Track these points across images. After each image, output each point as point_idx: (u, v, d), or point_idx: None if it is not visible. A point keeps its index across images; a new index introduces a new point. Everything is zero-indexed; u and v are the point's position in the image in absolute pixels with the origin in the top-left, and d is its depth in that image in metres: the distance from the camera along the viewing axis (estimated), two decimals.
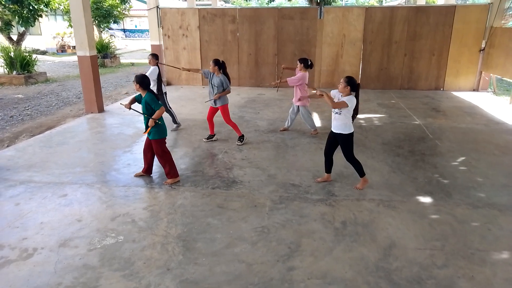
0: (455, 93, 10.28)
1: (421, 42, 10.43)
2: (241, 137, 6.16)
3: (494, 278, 2.97)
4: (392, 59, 10.71)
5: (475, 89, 10.61)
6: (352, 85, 4.18)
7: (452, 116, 7.91)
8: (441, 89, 10.75)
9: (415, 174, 5.00)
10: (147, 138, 4.62)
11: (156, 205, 4.19)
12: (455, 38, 10.27)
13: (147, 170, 4.86)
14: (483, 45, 10.20)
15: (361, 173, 4.51)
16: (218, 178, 4.90)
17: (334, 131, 4.38)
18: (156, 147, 4.57)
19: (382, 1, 43.59)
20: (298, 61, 6.29)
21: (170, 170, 4.66)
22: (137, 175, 4.88)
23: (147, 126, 4.48)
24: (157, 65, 6.65)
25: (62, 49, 23.63)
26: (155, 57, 6.70)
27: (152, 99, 4.44)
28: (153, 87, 6.32)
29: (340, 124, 4.30)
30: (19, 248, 3.39)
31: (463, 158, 5.56)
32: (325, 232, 3.64)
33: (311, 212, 3.99)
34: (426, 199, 4.29)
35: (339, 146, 4.47)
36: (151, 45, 11.89)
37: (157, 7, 11.34)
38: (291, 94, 9.76)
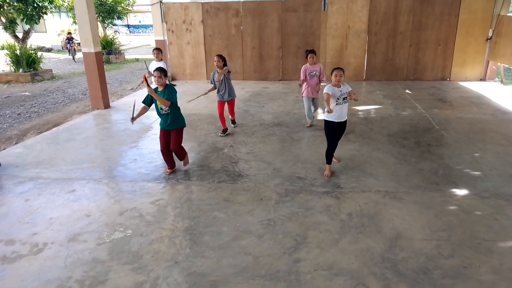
0: (462, 83, 10.18)
1: (427, 32, 10.33)
2: (225, 130, 6.34)
3: (500, 268, 2.97)
4: (397, 50, 10.62)
5: (482, 79, 10.50)
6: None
7: (458, 107, 7.85)
8: (447, 79, 10.65)
9: (421, 165, 4.98)
10: (163, 139, 4.73)
11: (163, 199, 4.23)
12: (461, 27, 10.15)
13: (173, 165, 4.97)
14: (490, 34, 10.07)
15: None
16: (224, 172, 4.93)
17: (343, 120, 4.49)
18: (178, 136, 4.75)
19: None
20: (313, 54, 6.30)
21: (184, 154, 4.99)
22: (169, 173, 4.89)
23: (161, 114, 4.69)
24: (162, 60, 6.69)
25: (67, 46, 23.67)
26: (161, 52, 6.71)
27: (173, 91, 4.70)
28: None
29: (347, 110, 4.51)
30: (29, 243, 3.46)
31: (470, 148, 5.52)
32: (331, 224, 3.65)
33: (316, 205, 4.01)
34: (432, 190, 4.28)
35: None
36: (155, 40, 11.92)
37: (161, 1, 11.34)
38: (296, 87, 9.71)
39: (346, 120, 4.54)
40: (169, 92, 4.59)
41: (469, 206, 3.92)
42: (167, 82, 4.71)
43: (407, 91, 9.44)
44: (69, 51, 19.10)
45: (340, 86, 4.36)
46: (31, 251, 3.34)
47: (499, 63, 10.26)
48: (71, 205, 4.14)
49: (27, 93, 10.76)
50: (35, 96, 10.38)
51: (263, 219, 3.76)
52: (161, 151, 4.83)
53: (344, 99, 4.37)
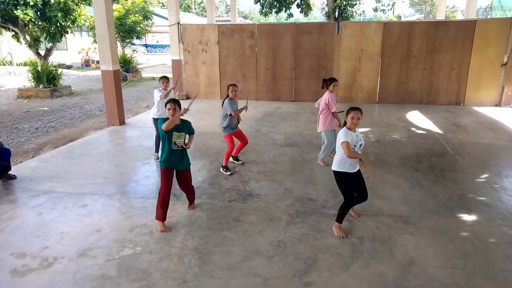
0: (476, 108, 10.08)
1: (441, 56, 10.33)
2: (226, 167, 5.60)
3: None
4: (411, 73, 10.63)
5: (497, 104, 10.38)
6: None
7: (473, 132, 7.75)
8: (462, 104, 10.56)
9: (435, 190, 4.90)
10: (168, 181, 3.97)
11: (173, 217, 4.23)
12: (475, 52, 10.13)
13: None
14: (505, 60, 10.01)
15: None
16: (234, 191, 4.92)
17: (357, 169, 3.79)
18: (190, 175, 4.26)
19: (400, 17, 43.49)
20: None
21: (194, 194, 4.49)
22: (166, 230, 3.98)
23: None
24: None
25: (87, 64, 24.44)
26: (168, 81, 6.07)
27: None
28: (161, 112, 5.91)
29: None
30: (40, 257, 3.48)
31: (485, 174, 5.42)
32: (342, 247, 3.59)
33: (328, 227, 3.95)
34: (446, 216, 4.19)
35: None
36: (172, 60, 12.20)
37: (178, 23, 11.66)
38: (308, 108, 9.76)
39: (359, 169, 3.84)
40: (189, 124, 4.08)
41: (484, 233, 3.81)
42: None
43: (421, 114, 9.38)
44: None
45: (356, 131, 3.68)
46: (41, 265, 3.36)
47: None
48: (83, 220, 4.17)
49: (45, 108, 11.04)
50: (53, 111, 10.64)
51: (273, 240, 3.72)
52: (163, 197, 3.91)
53: (360, 146, 3.68)
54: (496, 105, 10.36)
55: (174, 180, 4.09)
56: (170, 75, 13.04)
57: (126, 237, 3.82)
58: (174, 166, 4.02)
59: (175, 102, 3.91)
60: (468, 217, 4.15)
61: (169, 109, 3.86)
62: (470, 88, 10.43)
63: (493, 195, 4.71)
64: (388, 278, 3.13)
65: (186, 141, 4.10)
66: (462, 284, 3.05)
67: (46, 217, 4.23)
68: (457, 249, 3.54)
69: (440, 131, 7.76)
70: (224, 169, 5.53)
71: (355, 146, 3.62)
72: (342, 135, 3.58)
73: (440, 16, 17.10)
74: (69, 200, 4.67)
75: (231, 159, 5.81)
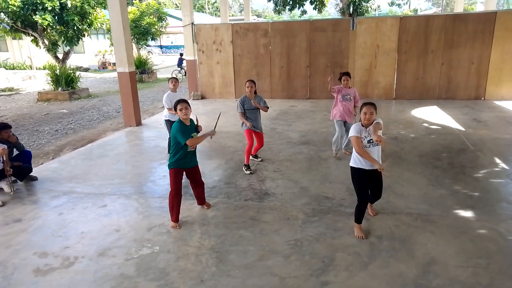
0: (498, 103, 9.80)
1: (459, 50, 10.08)
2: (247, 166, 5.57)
3: None
4: (428, 68, 10.41)
5: None
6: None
7: (494, 127, 7.53)
8: (482, 98, 10.29)
9: (455, 187, 4.78)
10: (179, 180, 4.03)
11: (190, 216, 4.26)
12: (496, 45, 9.84)
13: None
14: None
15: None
16: (250, 190, 4.92)
17: (373, 168, 3.64)
18: (200, 172, 4.29)
19: (417, 10, 42.69)
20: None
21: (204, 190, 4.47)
22: (178, 227, 4.04)
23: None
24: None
25: (103, 66, 24.90)
26: (178, 82, 6.13)
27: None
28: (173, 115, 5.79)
29: (380, 153, 3.68)
30: (61, 257, 3.55)
31: (508, 171, 5.26)
32: (360, 246, 3.54)
33: (345, 226, 3.91)
34: (467, 214, 4.09)
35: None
36: (187, 61, 12.28)
37: (192, 23, 11.73)
38: (323, 105, 9.69)
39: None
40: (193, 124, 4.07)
41: (508, 232, 3.70)
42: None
43: (440, 110, 9.18)
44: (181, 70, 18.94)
45: (370, 126, 3.55)
46: (62, 264, 3.43)
47: None
48: (102, 220, 4.24)
49: (64, 111, 11.29)
50: (72, 114, 10.87)
51: (290, 239, 3.70)
52: (173, 196, 3.96)
53: (369, 141, 3.55)
54: None
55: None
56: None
57: (145, 236, 3.87)
58: (187, 164, 4.03)
59: (186, 101, 3.92)
60: (490, 215, 4.04)
61: (181, 110, 3.86)
62: (491, 82, 10.14)
63: None
64: (408, 278, 3.08)
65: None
66: (485, 284, 2.96)
67: (66, 217, 4.32)
68: (479, 248, 3.45)
69: (460, 127, 7.58)
70: (245, 168, 5.52)
71: (363, 138, 3.55)
72: (352, 130, 3.59)
73: (458, 9, 16.69)
74: (88, 200, 4.76)
75: (250, 157, 5.80)
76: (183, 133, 3.81)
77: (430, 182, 4.97)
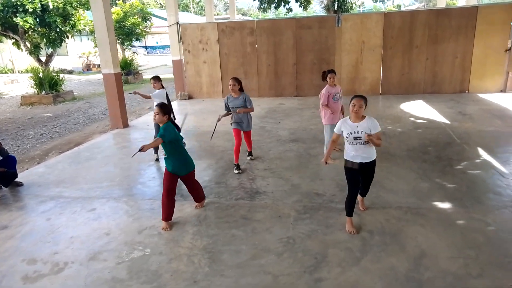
0: (482, 96, 9.97)
1: (443, 45, 10.23)
2: (237, 165, 5.51)
3: None
4: (413, 64, 10.54)
5: (502, 90, 10.27)
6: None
7: (479, 120, 7.67)
8: (466, 92, 10.47)
9: (443, 180, 4.85)
10: (172, 181, 4.01)
11: (181, 217, 4.22)
12: (478, 39, 10.02)
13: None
14: (509, 45, 9.89)
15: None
16: (241, 189, 4.91)
17: (365, 161, 3.59)
18: (194, 176, 4.27)
19: (400, 6, 43.18)
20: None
21: (203, 192, 4.48)
22: (169, 229, 4.01)
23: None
24: (163, 87, 6.14)
25: (88, 68, 24.53)
26: (158, 80, 6.09)
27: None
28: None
29: (370, 149, 3.61)
30: (50, 262, 3.49)
31: (494, 163, 5.36)
32: (352, 242, 3.57)
33: (336, 222, 3.93)
34: (456, 206, 4.15)
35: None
36: (173, 60, 12.19)
37: (178, 23, 11.63)
38: (311, 103, 9.72)
39: (372, 161, 3.62)
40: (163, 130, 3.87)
41: (496, 223, 3.77)
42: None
43: (425, 104, 9.30)
44: None
45: (362, 120, 3.51)
46: (52, 270, 3.37)
47: None
48: (91, 224, 4.18)
49: (49, 114, 11.09)
50: (57, 117, 10.68)
51: (282, 237, 3.71)
52: (165, 196, 3.95)
53: (355, 138, 3.49)
54: (501, 91, 10.24)
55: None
56: (171, 76, 13.05)
57: (135, 239, 3.82)
58: (176, 171, 4.01)
59: (160, 107, 3.90)
60: (478, 207, 4.11)
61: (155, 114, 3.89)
62: (474, 75, 10.32)
63: (502, 183, 4.66)
64: (400, 271, 3.11)
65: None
66: (475, 274, 3.01)
67: (55, 223, 4.25)
68: (468, 239, 3.50)
69: (446, 121, 7.70)
70: (235, 167, 5.49)
71: (347, 136, 3.54)
72: (336, 125, 3.69)
73: (441, 4, 16.92)
74: (77, 204, 4.68)
75: (247, 154, 5.93)
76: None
77: (419, 175, 5.03)
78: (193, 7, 50.17)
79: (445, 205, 4.19)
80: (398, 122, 7.80)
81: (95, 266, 3.41)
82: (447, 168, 5.23)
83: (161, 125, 3.88)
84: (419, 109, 8.89)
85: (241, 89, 5.42)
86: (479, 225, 3.73)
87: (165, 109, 3.89)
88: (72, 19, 15.24)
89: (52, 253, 3.64)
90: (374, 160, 3.66)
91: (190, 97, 12.01)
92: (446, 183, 4.75)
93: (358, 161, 3.59)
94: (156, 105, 3.94)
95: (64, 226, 4.15)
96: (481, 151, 5.85)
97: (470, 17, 9.93)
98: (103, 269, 3.36)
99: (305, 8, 21.35)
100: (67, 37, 16.05)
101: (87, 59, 25.05)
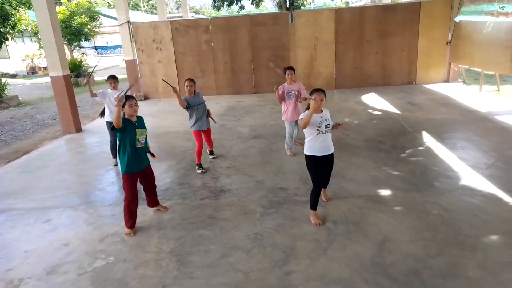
0: (428, 86, 10.57)
1: (391, 39, 10.71)
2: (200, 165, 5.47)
3: (486, 263, 3.04)
4: (365, 57, 10.94)
5: (446, 81, 10.94)
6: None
7: (427, 109, 8.12)
8: (414, 83, 11.04)
9: (399, 167, 5.09)
10: (134, 186, 3.85)
11: (145, 221, 4.10)
12: (423, 32, 10.59)
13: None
14: (449, 38, 10.55)
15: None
16: (205, 188, 4.85)
17: (328, 152, 3.74)
18: (152, 170, 4.13)
19: (348, 3, 44.65)
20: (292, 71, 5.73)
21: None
22: (133, 234, 3.87)
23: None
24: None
25: (33, 71, 23.07)
26: (117, 80, 5.72)
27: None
28: (111, 114, 5.59)
29: (331, 141, 3.79)
30: (4, 281, 3.25)
31: (443, 148, 5.70)
32: (318, 233, 3.65)
33: (301, 215, 4.00)
34: (412, 191, 4.37)
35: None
36: (126, 61, 11.76)
37: (129, 22, 11.24)
38: (270, 99, 9.79)
39: (332, 152, 3.80)
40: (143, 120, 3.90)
41: (449, 204, 4.02)
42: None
43: (378, 96, 9.70)
44: None
45: (322, 112, 3.70)
46: None
47: (460, 65, 10.73)
48: (48, 236, 3.95)
49: None
50: (1, 124, 9.96)
51: (250, 233, 3.71)
52: (130, 202, 3.81)
53: (326, 126, 3.64)
54: (445, 81, 10.91)
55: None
56: (125, 76, 12.60)
57: (97, 248, 3.66)
58: (139, 166, 3.84)
59: (134, 98, 3.79)
60: (432, 191, 4.36)
61: (131, 106, 3.69)
62: (420, 67, 10.91)
63: (451, 167, 4.97)
64: (365, 257, 3.22)
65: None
66: (434, 254, 3.19)
67: (6, 237, 3.97)
68: (425, 222, 3.70)
69: (397, 111, 8.07)
70: (198, 167, 5.43)
71: (319, 127, 3.60)
72: (302, 114, 3.64)
73: (386, 0, 17.69)
74: (30, 216, 4.40)
75: (208, 153, 5.93)
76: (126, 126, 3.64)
77: (376, 164, 5.24)
78: (144, 6, 48.77)
79: (402, 191, 4.40)
80: (354, 114, 8.07)
81: (55, 280, 3.23)
82: (402, 156, 5.50)
83: (136, 118, 3.79)
84: (372, 101, 9.26)
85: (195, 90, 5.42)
86: (434, 208, 3.96)
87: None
88: (12, 19, 14.22)
89: (5, 270, 3.39)
90: (333, 152, 3.81)
91: (146, 98, 11.67)
92: (401, 170, 4.99)
93: (325, 153, 3.69)
94: (128, 98, 3.73)
95: (17, 240, 3.89)
96: (430, 138, 6.20)
97: (414, 11, 10.47)
98: (63, 283, 3.18)
99: (258, 6, 21.47)
100: (7, 39, 14.96)
101: (32, 61, 23.53)
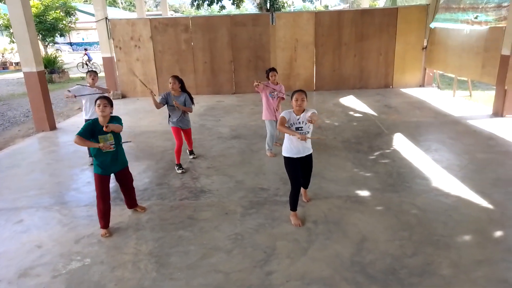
0: (403, 90, 10.84)
1: (368, 42, 10.93)
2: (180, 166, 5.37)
3: (459, 261, 3.14)
4: (343, 60, 11.11)
5: (421, 85, 11.26)
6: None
7: (403, 111, 8.33)
8: (390, 86, 11.30)
9: (376, 168, 5.19)
10: (106, 188, 3.77)
11: (123, 222, 4.01)
12: (399, 37, 10.86)
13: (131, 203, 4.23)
14: (425, 43, 10.86)
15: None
16: (185, 189, 4.80)
17: (305, 154, 3.74)
18: (130, 174, 4.04)
19: (327, 6, 45.28)
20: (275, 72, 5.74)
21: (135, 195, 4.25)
22: (109, 235, 3.78)
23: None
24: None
25: (4, 66, 22.21)
26: (97, 75, 5.61)
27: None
28: (91, 113, 5.48)
29: (309, 142, 3.78)
30: None
31: (418, 150, 5.85)
32: (298, 233, 3.67)
33: (282, 214, 4.01)
34: (389, 192, 4.47)
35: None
36: (103, 58, 11.50)
37: (106, 18, 10.99)
38: (250, 99, 9.81)
39: (310, 154, 3.81)
40: (117, 121, 3.75)
41: (424, 204, 4.12)
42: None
43: (355, 99, 9.87)
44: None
45: (301, 114, 3.60)
46: None
47: (434, 70, 11.07)
48: (20, 237, 3.80)
49: None
50: None
51: (230, 234, 3.69)
52: (99, 203, 3.72)
53: (298, 129, 3.57)
54: (420, 86, 11.23)
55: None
56: (102, 74, 12.32)
57: (72, 249, 3.55)
58: (109, 170, 3.76)
59: (106, 98, 3.65)
60: (408, 191, 4.46)
61: (98, 106, 3.55)
62: (397, 71, 11.18)
63: (426, 168, 5.11)
64: (345, 257, 3.26)
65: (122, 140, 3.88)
66: (410, 253, 3.27)
67: None
68: (402, 222, 3.79)
69: (374, 113, 8.24)
70: (177, 167, 5.35)
71: (291, 125, 3.57)
72: (282, 113, 3.62)
73: (364, 5, 18.06)
74: (0, 217, 4.22)
75: (188, 153, 5.86)
76: (85, 131, 3.51)
77: (355, 165, 5.33)
78: (122, 3, 47.85)
79: (380, 192, 4.48)
80: (333, 116, 8.18)
81: (27, 283, 3.11)
82: (379, 157, 5.61)
83: (107, 121, 3.61)
84: (350, 103, 9.41)
85: (183, 89, 5.32)
86: (410, 208, 4.06)
87: (111, 100, 3.69)
88: None
89: None
90: (311, 154, 3.83)
91: (123, 96, 11.45)
92: (379, 171, 5.09)
93: (300, 155, 3.71)
94: (101, 98, 3.63)
95: None
96: (406, 140, 6.35)
97: (391, 16, 10.73)
98: (37, 285, 3.07)
99: (238, 6, 21.46)
100: None
101: (3, 56, 22.67)
